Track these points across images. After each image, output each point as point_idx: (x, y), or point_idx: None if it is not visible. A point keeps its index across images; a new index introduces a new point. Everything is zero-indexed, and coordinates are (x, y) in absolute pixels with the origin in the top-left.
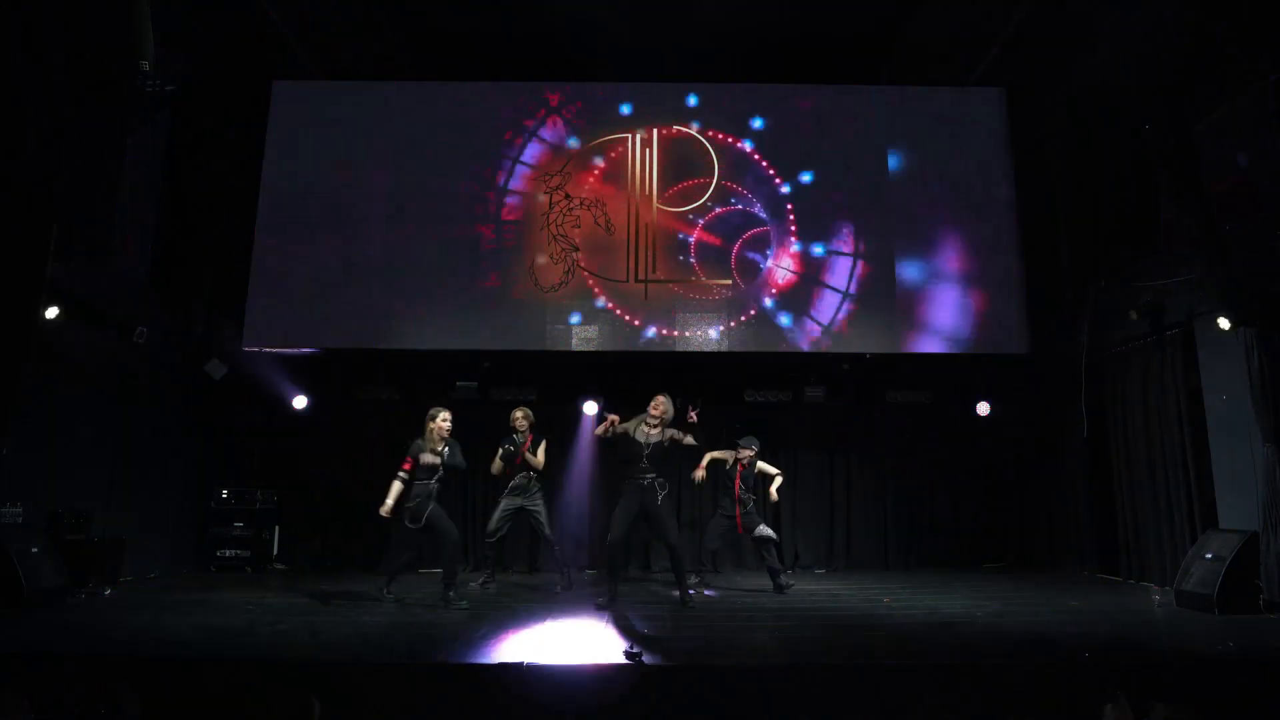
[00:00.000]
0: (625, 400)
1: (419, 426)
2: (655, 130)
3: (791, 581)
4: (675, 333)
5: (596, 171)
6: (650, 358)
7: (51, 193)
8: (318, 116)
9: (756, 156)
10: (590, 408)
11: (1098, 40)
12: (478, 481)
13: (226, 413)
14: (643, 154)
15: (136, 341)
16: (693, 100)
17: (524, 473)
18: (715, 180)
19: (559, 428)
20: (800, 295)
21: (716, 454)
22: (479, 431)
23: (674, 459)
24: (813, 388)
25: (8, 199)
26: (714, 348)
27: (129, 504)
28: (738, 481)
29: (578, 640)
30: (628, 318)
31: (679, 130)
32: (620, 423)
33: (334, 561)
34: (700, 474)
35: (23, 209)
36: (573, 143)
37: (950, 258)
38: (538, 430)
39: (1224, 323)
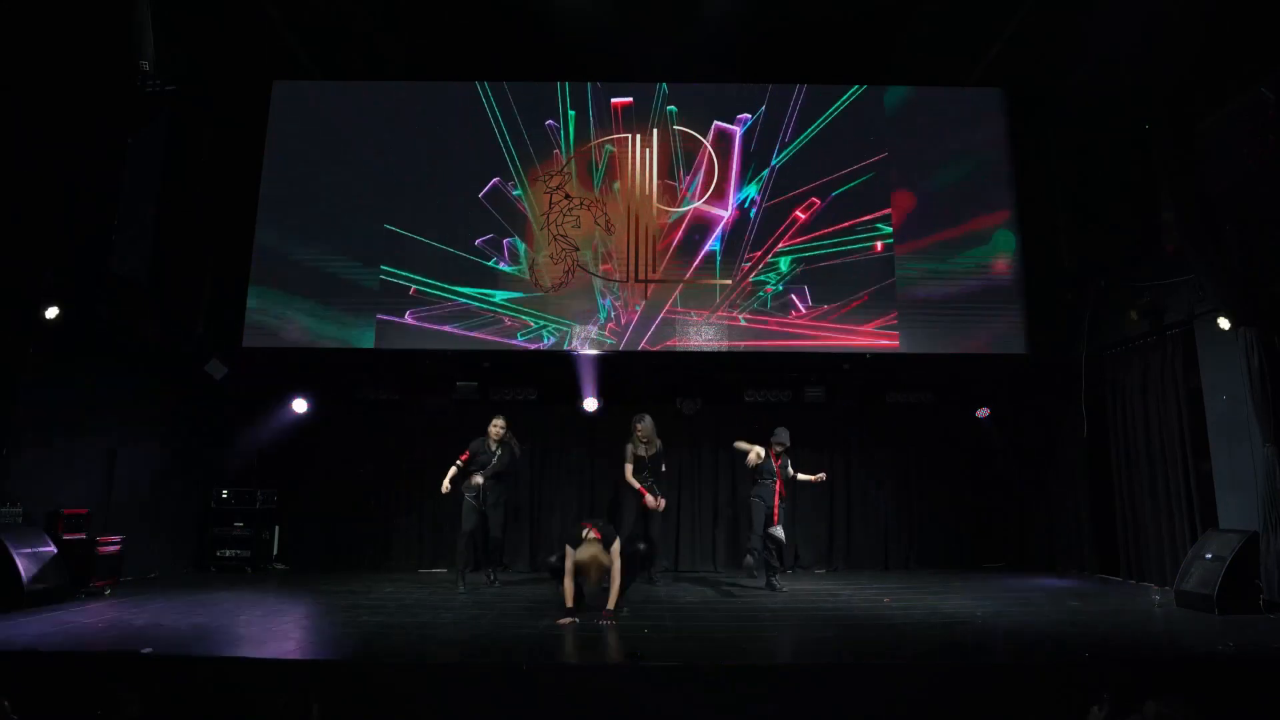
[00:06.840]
0: (625, 400)
1: (418, 426)
2: (655, 130)
3: (782, 586)
4: (675, 332)
5: (596, 171)
6: (650, 357)
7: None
8: (318, 116)
9: (757, 156)
10: (590, 404)
11: (1098, 40)
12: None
13: (226, 413)
14: (643, 153)
15: (139, 342)
16: (693, 99)
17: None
18: (715, 180)
19: (559, 428)
20: (800, 295)
21: (745, 445)
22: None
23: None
24: (813, 388)
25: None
26: (714, 347)
27: (129, 504)
28: (777, 474)
29: (578, 640)
30: (628, 317)
31: (679, 129)
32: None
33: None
34: (743, 448)
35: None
36: (573, 142)
37: (950, 258)
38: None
39: (1224, 323)
